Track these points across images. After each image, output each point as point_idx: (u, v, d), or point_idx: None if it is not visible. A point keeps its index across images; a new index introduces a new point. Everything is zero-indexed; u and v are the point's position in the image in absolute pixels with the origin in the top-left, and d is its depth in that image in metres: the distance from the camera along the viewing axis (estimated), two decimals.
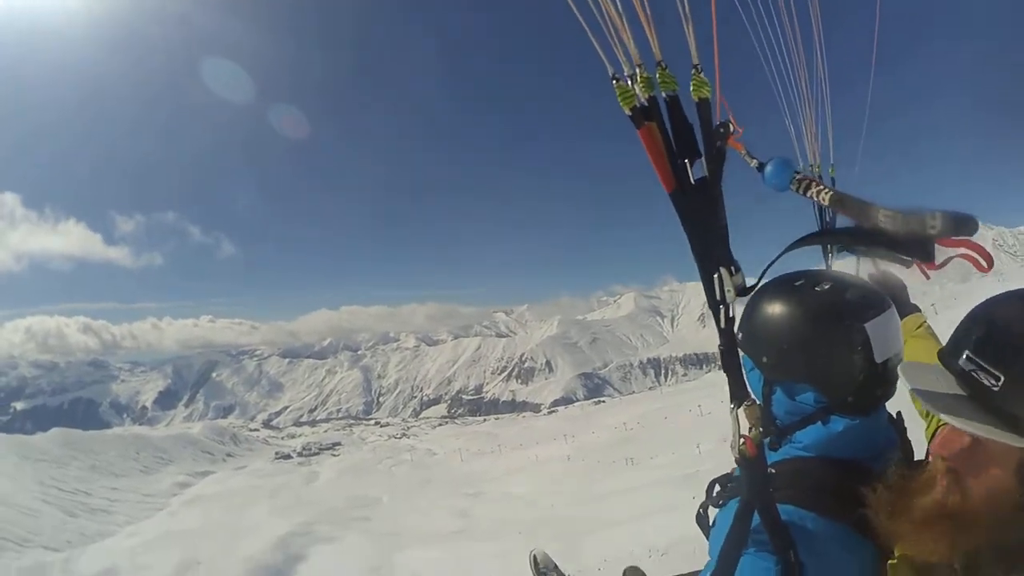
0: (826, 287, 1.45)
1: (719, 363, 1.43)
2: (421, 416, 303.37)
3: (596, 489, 26.58)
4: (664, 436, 35.30)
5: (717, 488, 1.65)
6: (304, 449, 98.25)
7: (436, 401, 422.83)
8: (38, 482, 53.46)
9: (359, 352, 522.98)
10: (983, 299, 1.23)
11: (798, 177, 1.39)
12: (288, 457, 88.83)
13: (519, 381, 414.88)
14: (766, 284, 1.53)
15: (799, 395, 1.45)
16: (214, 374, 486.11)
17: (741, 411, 1.39)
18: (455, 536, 25.34)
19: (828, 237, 1.77)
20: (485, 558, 18.94)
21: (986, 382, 1.13)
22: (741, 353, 1.54)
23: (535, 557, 4.10)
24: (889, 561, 1.26)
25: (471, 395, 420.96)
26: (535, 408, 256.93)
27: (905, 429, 1.57)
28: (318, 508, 37.60)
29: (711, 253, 1.38)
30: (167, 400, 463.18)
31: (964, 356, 1.17)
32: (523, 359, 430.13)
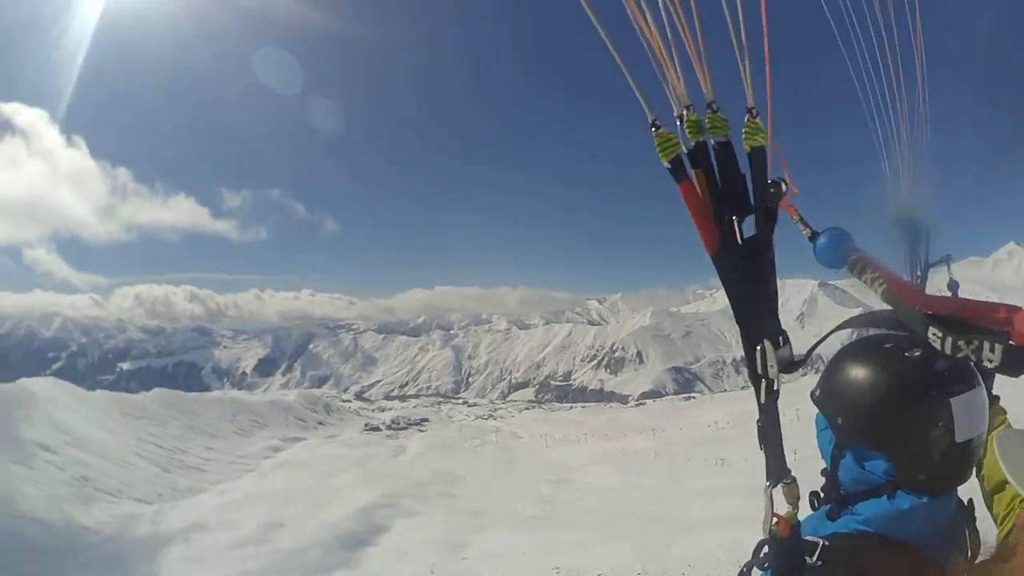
0: (916, 354, 1.33)
1: (759, 436, 1.47)
2: (508, 399, 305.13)
3: (683, 487, 25.97)
4: (752, 440, 34.17)
5: (765, 549, 1.49)
6: (393, 423, 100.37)
7: (524, 385, 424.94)
8: (136, 438, 56.41)
9: (451, 332, 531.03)
10: None
11: (854, 257, 1.30)
12: (377, 429, 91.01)
13: (608, 371, 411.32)
14: (853, 344, 1.47)
15: (869, 463, 1.38)
16: (311, 345, 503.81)
17: (778, 489, 1.41)
18: (536, 521, 25.26)
19: (887, 323, 1.52)
20: (566, 547, 18.75)
21: None
22: (816, 411, 1.52)
23: None
24: None
25: (559, 381, 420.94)
26: (623, 399, 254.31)
27: (975, 518, 1.49)
28: (403, 481, 38.28)
29: (755, 322, 1.36)
30: (266, 367, 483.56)
31: None
32: (614, 348, 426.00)
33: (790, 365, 1.39)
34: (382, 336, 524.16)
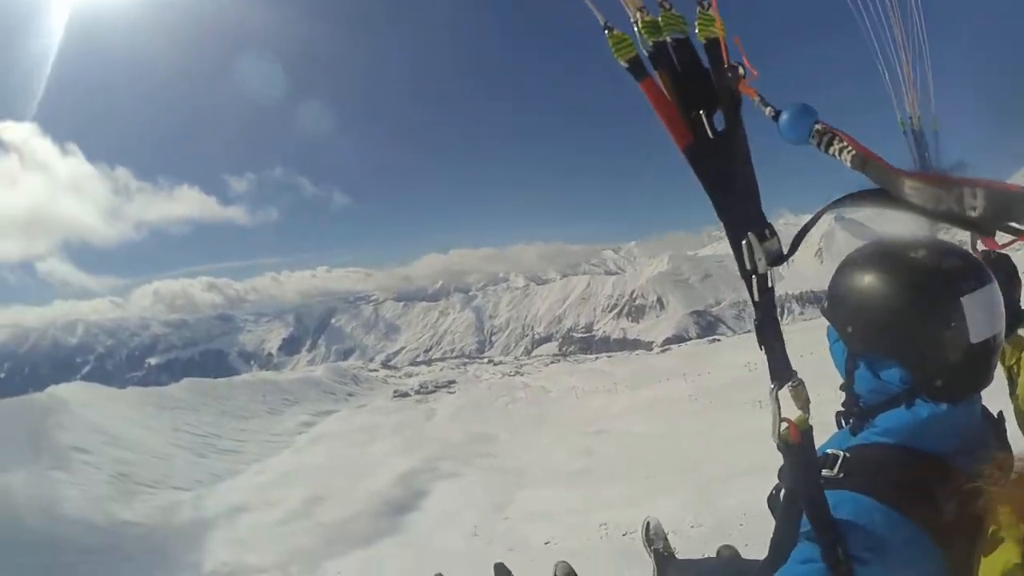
0: (921, 253, 1.31)
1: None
2: (533, 354, 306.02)
3: (723, 432, 25.54)
4: None
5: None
6: (421, 387, 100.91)
7: (547, 339, 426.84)
8: (172, 428, 57.25)
9: (470, 293, 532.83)
10: None
11: (819, 128, 1.25)
12: (406, 395, 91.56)
13: (630, 319, 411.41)
14: (856, 251, 1.44)
15: (884, 372, 1.37)
16: (333, 320, 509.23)
17: (784, 392, 1.36)
18: (579, 475, 25.09)
19: (869, 199, 1.33)
20: (612, 501, 18.47)
21: None
22: (826, 323, 1.52)
23: (648, 525, 4.04)
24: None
25: (582, 333, 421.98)
26: (647, 346, 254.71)
27: (1005, 430, 1.45)
28: (438, 444, 38.42)
29: (738, 215, 1.31)
30: (291, 346, 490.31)
31: None
32: (633, 296, 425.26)
33: (779, 257, 1.31)
34: (402, 304, 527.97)
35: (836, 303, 1.43)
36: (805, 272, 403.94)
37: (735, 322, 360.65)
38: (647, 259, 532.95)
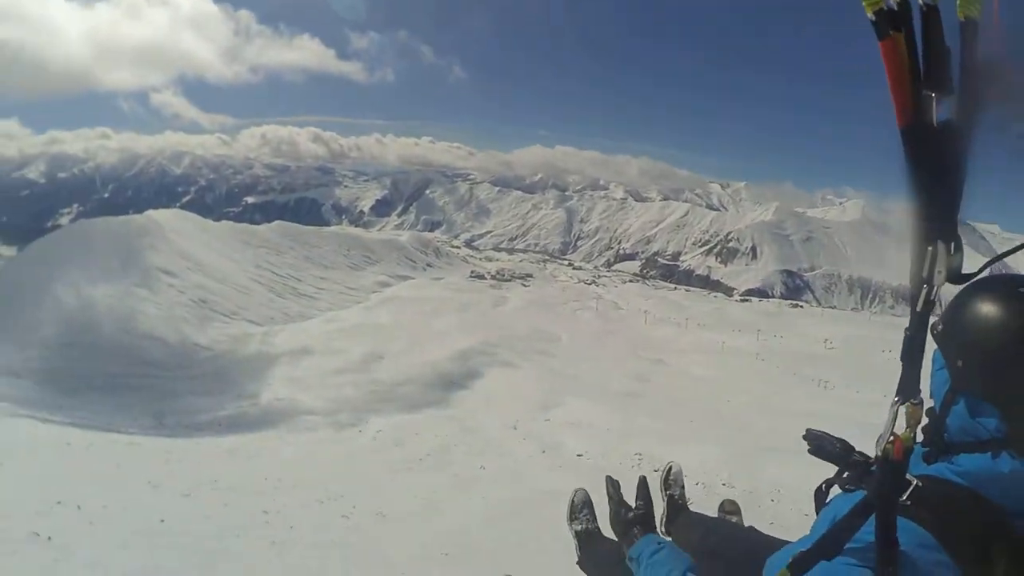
0: None
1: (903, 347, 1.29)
2: (613, 268, 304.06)
3: (781, 402, 25.20)
4: (866, 369, 32.50)
5: (847, 474, 1.53)
6: (498, 273, 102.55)
7: (631, 257, 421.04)
8: (255, 265, 59.88)
9: (567, 193, 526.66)
10: None
11: None
12: (482, 278, 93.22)
13: (718, 259, 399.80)
14: (989, 279, 1.33)
15: (980, 415, 1.28)
16: (428, 191, 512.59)
17: (903, 408, 1.28)
18: (627, 398, 25.39)
19: None
20: (652, 434, 18.66)
21: None
22: (934, 347, 1.40)
23: (670, 468, 3.73)
24: None
25: (667, 260, 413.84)
26: (727, 290, 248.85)
27: None
28: (501, 332, 39.15)
29: (933, 218, 1.20)
30: (382, 208, 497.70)
31: None
32: (728, 238, 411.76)
33: (958, 276, 1.23)
34: (497, 189, 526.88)
35: (951, 331, 1.35)
36: (909, 268, 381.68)
37: (823, 293, 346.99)
38: (752, 204, 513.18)
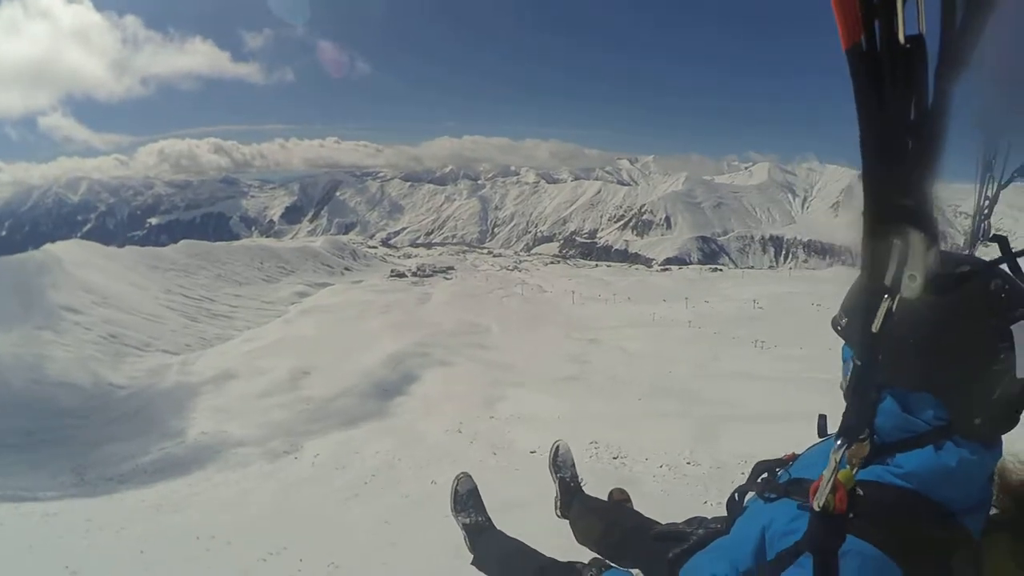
0: (966, 269, 1.15)
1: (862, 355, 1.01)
2: (533, 251, 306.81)
3: (723, 367, 25.14)
4: (798, 324, 33.01)
5: (764, 475, 1.50)
6: (419, 269, 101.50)
7: (549, 239, 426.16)
8: (165, 290, 57.39)
9: (479, 182, 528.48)
10: None
11: None
12: (403, 276, 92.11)
13: (635, 232, 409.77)
14: None
15: (915, 408, 1.19)
16: (338, 193, 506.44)
17: (848, 451, 1.07)
18: (570, 383, 24.77)
19: None
20: (602, 418, 18.01)
21: None
22: (842, 343, 1.33)
23: (557, 448, 3.67)
24: None
25: (584, 238, 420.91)
26: (646, 262, 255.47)
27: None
28: (430, 329, 38.25)
29: (901, 193, 0.72)
30: (293, 215, 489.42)
31: None
32: (642, 211, 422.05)
33: (936, 281, 0.80)
34: (408, 184, 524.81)
35: (857, 322, 1.16)
36: (816, 222, 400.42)
37: (738, 255, 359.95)
38: (662, 176, 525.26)
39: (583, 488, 3.53)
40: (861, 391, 1.04)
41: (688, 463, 13.14)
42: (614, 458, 13.66)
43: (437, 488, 12.79)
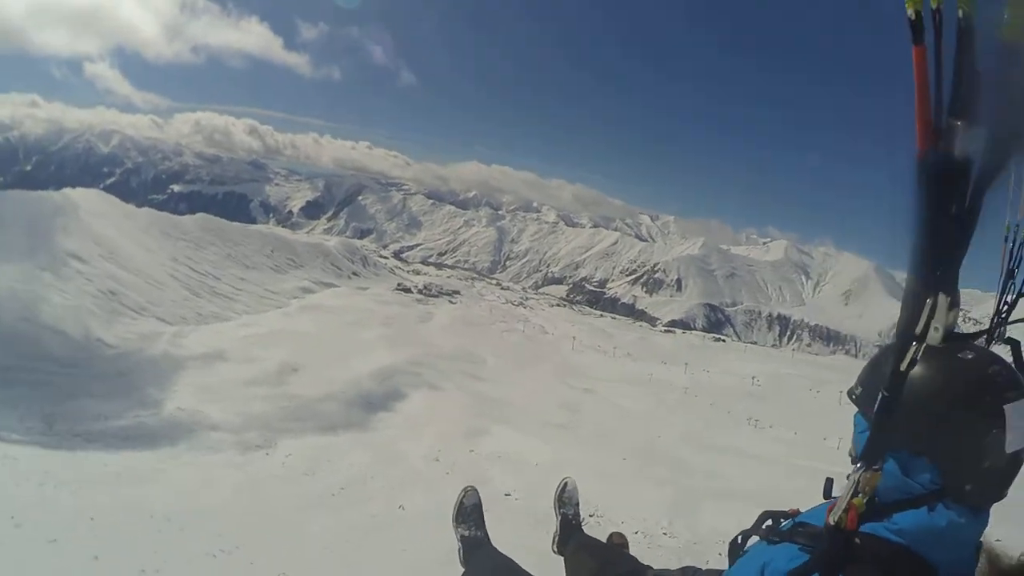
0: (970, 356, 1.25)
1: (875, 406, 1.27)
2: (541, 290, 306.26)
3: (713, 438, 24.70)
4: (795, 408, 32.62)
5: (768, 522, 1.57)
6: (425, 288, 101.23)
7: (559, 281, 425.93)
8: (172, 258, 57.09)
9: (499, 212, 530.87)
10: None
11: None
12: (408, 291, 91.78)
13: (644, 289, 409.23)
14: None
15: (913, 471, 1.29)
16: (360, 197, 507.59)
17: (863, 475, 1.28)
18: (556, 430, 24.34)
19: None
20: (584, 471, 17.45)
21: None
22: (855, 410, 1.44)
23: (564, 485, 3.76)
24: None
25: (594, 286, 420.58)
26: (651, 320, 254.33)
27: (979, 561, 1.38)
28: (426, 350, 37.85)
29: (934, 265, 1.15)
30: (313, 210, 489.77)
31: None
32: (655, 269, 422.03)
33: (953, 337, 1.24)
34: (431, 202, 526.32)
35: (872, 393, 1.29)
36: (826, 308, 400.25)
37: (743, 328, 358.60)
38: (680, 237, 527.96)
39: (583, 527, 3.65)
40: (882, 423, 1.23)
41: (665, 533, 12.76)
42: (590, 515, 13.25)
43: (405, 514, 12.42)
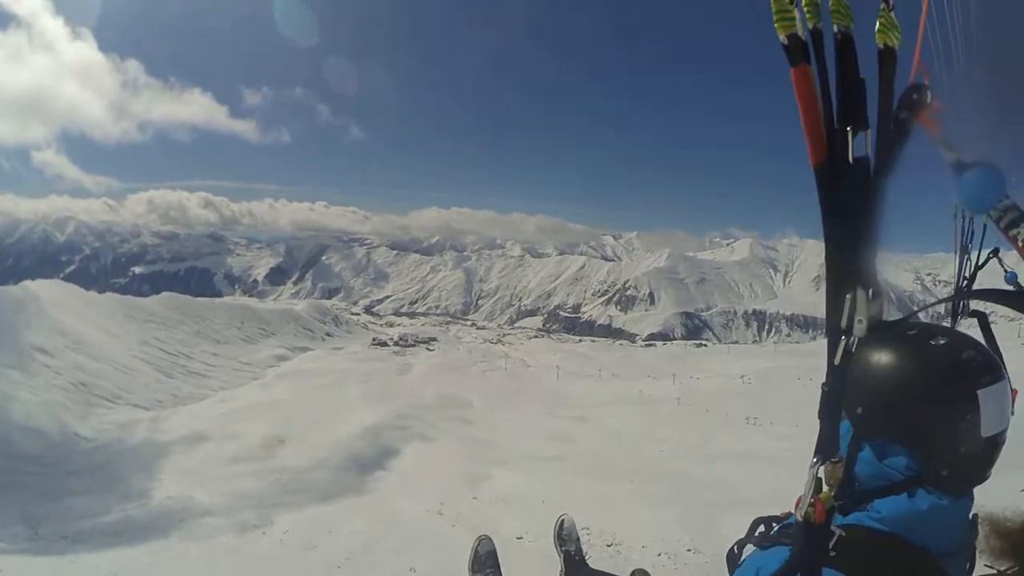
0: (942, 342, 1.26)
1: (819, 407, 1.31)
2: (517, 324, 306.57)
3: (715, 446, 24.41)
4: (787, 400, 32.43)
5: (761, 528, 1.54)
6: (401, 339, 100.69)
7: (533, 313, 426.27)
8: (140, 342, 56.05)
9: (464, 253, 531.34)
10: None
11: (1006, 203, 1.23)
12: (384, 345, 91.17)
13: (618, 307, 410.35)
14: (876, 328, 1.32)
15: (889, 458, 1.29)
16: (324, 257, 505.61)
17: (823, 468, 1.31)
18: (555, 463, 23.87)
19: (1014, 303, 1.39)
20: (592, 501, 17.22)
21: None
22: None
23: (562, 523, 3.83)
24: None
25: (568, 312, 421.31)
26: (630, 337, 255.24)
27: (978, 533, 1.40)
28: (411, 401, 37.30)
29: (850, 262, 1.22)
30: (277, 276, 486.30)
31: None
32: (626, 286, 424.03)
33: (879, 326, 1.27)
34: (395, 252, 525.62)
35: (848, 381, 1.29)
36: (798, 296, 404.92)
37: (722, 330, 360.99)
38: (646, 252, 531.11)
39: (587, 562, 3.72)
40: (828, 416, 1.27)
41: (688, 550, 12.36)
42: (608, 545, 12.84)
43: None
